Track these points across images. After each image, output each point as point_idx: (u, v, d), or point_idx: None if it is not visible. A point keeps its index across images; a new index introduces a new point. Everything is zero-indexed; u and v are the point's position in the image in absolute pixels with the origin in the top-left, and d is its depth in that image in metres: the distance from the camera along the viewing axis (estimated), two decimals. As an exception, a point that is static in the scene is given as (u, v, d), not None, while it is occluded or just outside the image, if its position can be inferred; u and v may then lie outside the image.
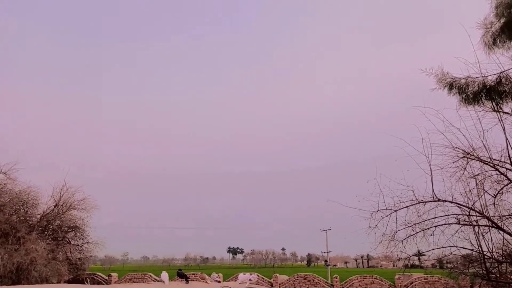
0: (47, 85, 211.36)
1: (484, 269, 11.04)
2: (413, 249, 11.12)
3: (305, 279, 28.94)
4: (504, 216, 10.48)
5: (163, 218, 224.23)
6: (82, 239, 30.22)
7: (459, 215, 10.70)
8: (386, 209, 10.88)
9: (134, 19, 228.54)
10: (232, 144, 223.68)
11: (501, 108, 9.94)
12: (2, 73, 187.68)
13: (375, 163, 10.96)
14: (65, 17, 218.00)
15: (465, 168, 10.59)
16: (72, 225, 29.70)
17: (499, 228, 10.37)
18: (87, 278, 29.79)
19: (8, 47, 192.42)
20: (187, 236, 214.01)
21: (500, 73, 9.49)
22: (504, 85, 9.44)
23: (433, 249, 10.85)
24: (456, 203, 10.68)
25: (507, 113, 10.00)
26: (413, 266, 18.74)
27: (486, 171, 10.59)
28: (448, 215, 10.69)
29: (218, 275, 22.25)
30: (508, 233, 10.36)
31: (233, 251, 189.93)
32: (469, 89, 9.82)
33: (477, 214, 10.58)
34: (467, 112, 10.22)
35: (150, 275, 29.59)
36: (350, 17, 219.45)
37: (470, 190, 10.72)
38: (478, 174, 10.66)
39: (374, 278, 28.23)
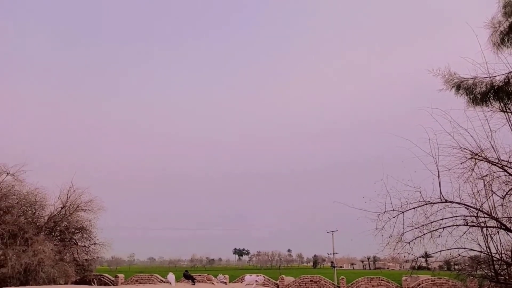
0: (47, 85, 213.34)
1: (492, 271, 10.93)
2: (420, 251, 11.04)
3: (311, 280, 28.87)
4: (513, 217, 10.38)
5: (169, 219, 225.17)
6: (89, 240, 30.42)
7: (467, 216, 10.61)
8: (393, 210, 10.81)
9: (134, 19, 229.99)
10: (234, 145, 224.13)
11: (509, 109, 9.86)
12: (2, 73, 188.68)
13: (382, 164, 10.91)
14: (65, 17, 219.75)
15: (473, 169, 10.50)
16: (79, 226, 29.88)
17: (507, 229, 10.27)
18: (94, 279, 29.96)
19: (8, 47, 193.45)
20: (193, 237, 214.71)
21: (508, 73, 9.41)
22: (513, 85, 9.36)
23: (440, 251, 10.76)
24: (464, 204, 10.59)
25: (516, 113, 9.91)
26: (420, 267, 18.62)
27: (494, 172, 10.49)
28: (456, 216, 10.60)
29: (225, 276, 22.25)
30: (517, 235, 10.26)
31: (239, 252, 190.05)
32: (477, 89, 9.74)
33: (485, 215, 10.48)
34: (474, 113, 10.14)
35: (157, 276, 29.66)
36: (352, 17, 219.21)
37: (478, 191, 10.63)
38: (486, 175, 10.56)
39: (381, 280, 28.07)
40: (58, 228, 28.93)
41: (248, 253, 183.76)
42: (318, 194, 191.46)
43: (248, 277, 16.06)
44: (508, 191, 10.39)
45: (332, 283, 29.05)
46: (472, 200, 10.63)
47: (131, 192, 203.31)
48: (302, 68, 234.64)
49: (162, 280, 27.39)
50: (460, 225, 10.58)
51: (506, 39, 9.50)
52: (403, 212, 10.78)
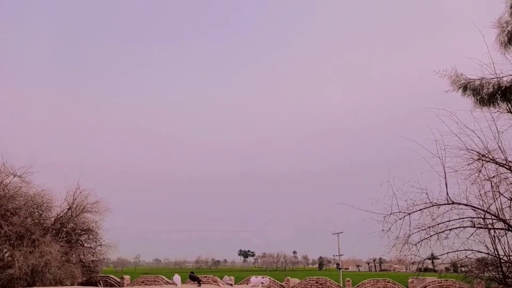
0: (47, 86, 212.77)
1: (500, 273, 10.84)
2: (427, 253, 11.00)
3: (317, 282, 28.78)
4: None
5: (174, 221, 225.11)
6: (95, 241, 30.51)
7: (474, 218, 10.54)
8: (400, 212, 10.78)
9: (134, 19, 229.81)
10: (237, 146, 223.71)
11: (516, 110, 9.79)
12: (2, 73, 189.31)
13: (388, 166, 10.88)
14: (65, 17, 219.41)
15: (480, 171, 10.44)
16: (85, 227, 30.00)
17: (515, 231, 10.19)
18: (100, 281, 30.10)
19: (8, 47, 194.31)
20: (198, 238, 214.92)
21: (516, 73, 9.35)
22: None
23: (447, 253, 10.72)
24: (471, 206, 10.52)
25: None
26: (426, 269, 18.50)
27: (502, 173, 10.42)
28: (463, 218, 10.54)
29: (230, 278, 22.21)
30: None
31: (244, 254, 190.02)
32: (484, 90, 9.70)
33: (493, 217, 10.41)
34: (481, 114, 10.10)
35: (162, 278, 29.72)
36: (352, 17, 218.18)
37: (485, 193, 10.56)
38: (493, 177, 10.50)
39: (387, 282, 27.91)
40: (65, 229, 29.08)
41: (253, 255, 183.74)
42: (324, 195, 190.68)
43: (253, 279, 16.02)
44: (516, 192, 10.31)
45: (338, 285, 28.94)
46: (479, 201, 10.58)
47: (133, 193, 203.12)
48: (302, 68, 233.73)
49: (167, 282, 27.41)
50: (467, 226, 10.52)
51: (514, 39, 9.45)
52: (409, 214, 10.74)
